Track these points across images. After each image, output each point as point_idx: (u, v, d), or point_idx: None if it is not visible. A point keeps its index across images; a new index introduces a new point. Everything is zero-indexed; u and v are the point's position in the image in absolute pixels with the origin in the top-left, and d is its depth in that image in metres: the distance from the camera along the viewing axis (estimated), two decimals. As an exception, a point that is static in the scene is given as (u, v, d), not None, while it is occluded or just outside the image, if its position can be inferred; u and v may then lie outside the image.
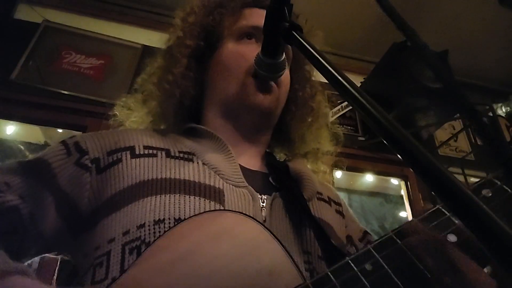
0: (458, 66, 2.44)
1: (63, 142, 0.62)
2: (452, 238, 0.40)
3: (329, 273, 0.40)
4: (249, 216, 0.46)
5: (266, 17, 0.56)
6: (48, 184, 0.56)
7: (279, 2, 0.52)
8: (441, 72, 0.42)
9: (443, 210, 0.43)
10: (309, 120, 0.84)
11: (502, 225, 0.23)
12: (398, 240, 0.41)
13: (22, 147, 2.66)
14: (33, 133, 2.66)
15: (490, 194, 0.43)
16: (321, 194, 0.74)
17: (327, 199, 0.75)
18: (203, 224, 0.45)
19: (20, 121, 2.21)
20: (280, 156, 0.86)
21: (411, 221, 0.43)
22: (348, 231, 0.74)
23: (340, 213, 0.76)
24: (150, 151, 0.62)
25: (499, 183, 0.43)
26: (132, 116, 0.82)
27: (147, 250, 0.43)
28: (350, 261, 0.40)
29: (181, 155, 0.63)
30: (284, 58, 0.65)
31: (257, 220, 0.46)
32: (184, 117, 0.77)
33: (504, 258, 0.24)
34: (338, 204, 0.78)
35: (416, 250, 0.39)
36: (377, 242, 0.42)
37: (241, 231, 0.44)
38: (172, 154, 0.63)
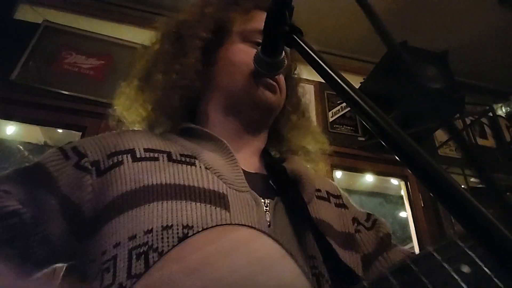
0: (458, 67, 2.44)
1: (60, 148, 0.61)
2: (465, 269, 0.39)
3: None
4: (264, 232, 0.45)
5: (267, 19, 0.56)
6: (49, 187, 0.55)
7: (280, 5, 0.52)
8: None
9: (458, 242, 0.42)
10: (297, 118, 0.86)
11: (501, 228, 0.23)
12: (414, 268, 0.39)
13: (21, 147, 2.65)
14: (33, 133, 2.67)
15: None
16: (319, 191, 0.74)
17: (326, 196, 0.75)
18: (216, 238, 0.44)
19: (20, 121, 2.20)
20: (275, 153, 0.87)
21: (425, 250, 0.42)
22: (353, 214, 0.75)
23: (341, 205, 0.76)
24: (151, 154, 0.62)
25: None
26: (131, 106, 0.79)
27: (159, 260, 0.42)
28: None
29: (183, 158, 0.62)
30: (283, 57, 0.65)
31: (272, 236, 0.44)
32: (183, 111, 0.76)
33: (504, 261, 0.24)
34: (337, 196, 0.78)
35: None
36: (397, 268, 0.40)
37: (256, 247, 0.43)
38: (174, 157, 0.62)
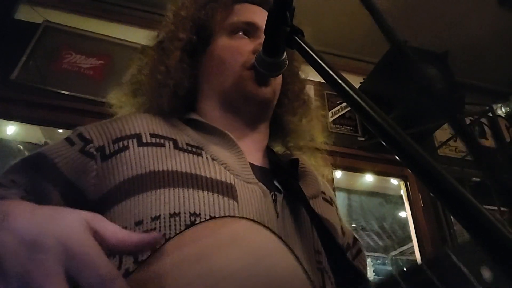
0: (458, 67, 2.44)
1: (66, 138, 0.62)
2: (486, 274, 0.36)
3: None
4: (263, 225, 0.45)
5: (268, 20, 0.56)
6: (50, 175, 0.55)
7: (281, 5, 0.52)
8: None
9: None
10: (301, 112, 0.85)
11: (500, 227, 0.24)
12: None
13: (22, 147, 2.65)
14: (33, 133, 2.66)
15: None
16: (324, 193, 0.75)
17: (329, 200, 0.76)
18: (215, 230, 0.44)
19: (20, 121, 2.20)
20: (278, 149, 0.86)
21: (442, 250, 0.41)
22: (347, 235, 0.76)
23: (338, 215, 0.77)
24: (157, 140, 0.62)
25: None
26: (124, 110, 0.81)
27: (156, 251, 0.42)
28: None
29: (189, 148, 0.62)
30: (285, 57, 0.65)
31: (270, 229, 0.44)
32: (180, 106, 0.76)
33: (502, 260, 0.24)
34: (336, 208, 0.79)
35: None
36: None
37: (253, 239, 0.43)
38: (180, 146, 0.62)
